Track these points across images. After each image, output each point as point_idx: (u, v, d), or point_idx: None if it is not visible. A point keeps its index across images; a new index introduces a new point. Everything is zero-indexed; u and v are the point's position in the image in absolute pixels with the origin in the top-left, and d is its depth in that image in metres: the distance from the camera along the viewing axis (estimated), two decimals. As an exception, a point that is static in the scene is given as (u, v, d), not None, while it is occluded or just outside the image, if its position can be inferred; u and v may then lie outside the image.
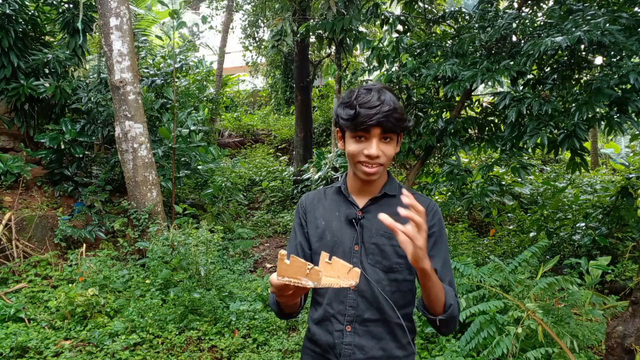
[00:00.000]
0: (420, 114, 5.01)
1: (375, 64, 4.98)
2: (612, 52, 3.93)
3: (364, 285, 1.42)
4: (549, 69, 4.59)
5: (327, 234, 1.48)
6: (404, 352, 1.46)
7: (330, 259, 1.44)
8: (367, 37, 5.76)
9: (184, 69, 7.26)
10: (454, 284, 1.45)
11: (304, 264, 1.10)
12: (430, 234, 1.41)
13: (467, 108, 5.04)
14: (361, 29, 8.86)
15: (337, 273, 1.14)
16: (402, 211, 1.16)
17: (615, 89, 3.67)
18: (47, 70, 5.94)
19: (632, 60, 3.77)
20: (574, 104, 3.73)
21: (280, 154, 12.14)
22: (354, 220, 1.46)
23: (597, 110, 3.70)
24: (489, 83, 4.36)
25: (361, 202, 1.48)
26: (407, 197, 1.15)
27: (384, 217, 1.15)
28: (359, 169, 1.39)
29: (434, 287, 1.29)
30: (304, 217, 1.56)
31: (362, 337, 1.43)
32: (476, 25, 4.81)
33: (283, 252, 1.10)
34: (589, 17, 3.88)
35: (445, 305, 1.33)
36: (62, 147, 5.51)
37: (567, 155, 4.35)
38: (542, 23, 4.54)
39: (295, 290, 1.15)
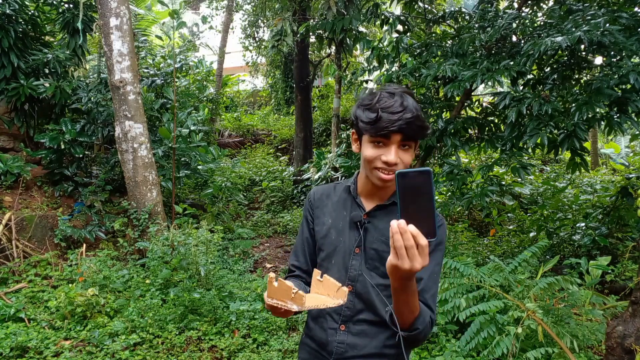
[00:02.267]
0: (420, 114, 5.00)
1: (375, 64, 4.99)
2: (612, 52, 3.93)
3: (361, 287, 1.43)
4: (549, 69, 4.59)
5: (332, 232, 1.49)
6: (396, 350, 1.45)
7: (332, 261, 1.49)
8: (367, 37, 5.76)
9: (184, 69, 7.25)
10: (435, 299, 1.38)
11: (289, 288, 1.14)
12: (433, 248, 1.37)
13: (467, 108, 5.05)
14: (361, 29, 8.87)
15: (327, 291, 1.19)
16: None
17: (615, 89, 3.67)
18: (47, 70, 5.93)
19: (632, 60, 3.77)
20: (574, 104, 3.73)
21: (280, 154, 12.13)
22: (358, 223, 1.46)
23: (597, 110, 3.70)
24: (489, 83, 4.36)
25: (368, 205, 1.48)
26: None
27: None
28: (374, 174, 1.36)
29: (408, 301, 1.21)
30: (310, 211, 1.58)
31: (355, 336, 1.44)
32: (476, 25, 4.81)
33: (272, 274, 1.14)
34: (589, 17, 3.88)
35: (412, 325, 1.27)
36: (62, 147, 5.50)
37: (567, 155, 4.35)
38: (542, 23, 4.54)
39: (285, 310, 1.18)
